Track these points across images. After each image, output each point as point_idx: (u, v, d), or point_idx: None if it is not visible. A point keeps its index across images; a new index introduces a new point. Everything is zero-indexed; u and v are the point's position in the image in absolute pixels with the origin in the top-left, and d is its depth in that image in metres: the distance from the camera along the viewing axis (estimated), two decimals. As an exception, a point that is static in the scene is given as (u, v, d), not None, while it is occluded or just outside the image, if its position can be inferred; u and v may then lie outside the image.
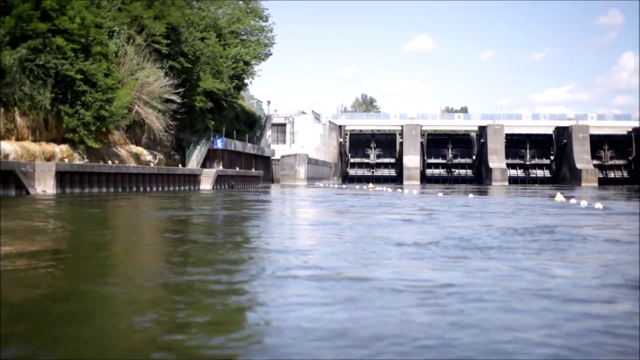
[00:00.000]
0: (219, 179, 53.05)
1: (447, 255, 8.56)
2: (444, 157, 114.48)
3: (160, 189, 43.63)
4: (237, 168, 62.05)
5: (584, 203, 23.18)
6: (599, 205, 21.42)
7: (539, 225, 13.74)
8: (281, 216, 18.30)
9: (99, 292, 5.96)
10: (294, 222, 15.66)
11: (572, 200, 25.81)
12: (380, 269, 7.36)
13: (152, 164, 46.48)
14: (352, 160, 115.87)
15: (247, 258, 8.27)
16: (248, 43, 65.53)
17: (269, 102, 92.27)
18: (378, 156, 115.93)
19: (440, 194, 37.76)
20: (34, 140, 35.98)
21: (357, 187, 64.19)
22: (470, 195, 35.34)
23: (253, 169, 68.35)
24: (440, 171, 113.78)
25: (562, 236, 11.36)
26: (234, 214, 18.62)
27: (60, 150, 37.04)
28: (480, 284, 6.42)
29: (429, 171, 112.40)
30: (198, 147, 56.13)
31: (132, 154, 44.51)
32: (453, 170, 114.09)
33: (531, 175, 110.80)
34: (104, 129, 39.37)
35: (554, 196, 31.86)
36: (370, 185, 65.79)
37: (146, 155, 46.67)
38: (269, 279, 6.69)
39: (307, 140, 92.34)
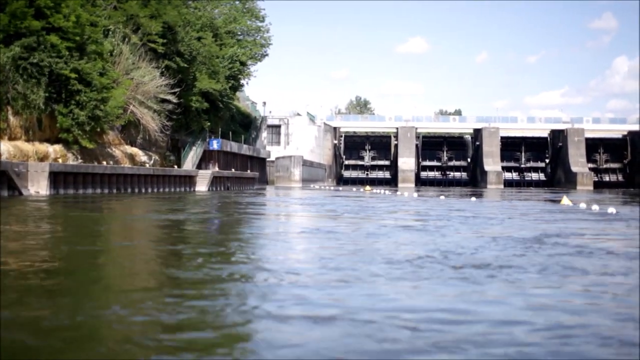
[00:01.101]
0: (215, 181, 52.38)
1: (458, 276, 7.69)
2: (439, 159, 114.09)
3: (155, 190, 42.94)
4: (233, 169, 61.40)
5: (595, 207, 22.62)
6: (612, 210, 20.83)
7: (560, 234, 13.16)
8: (274, 222, 17.68)
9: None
10: (287, 230, 14.89)
11: (582, 205, 25.24)
12: (376, 300, 6.20)
13: (147, 165, 45.78)
14: (346, 162, 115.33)
15: (225, 279, 7.24)
16: (244, 43, 64.92)
17: (264, 103, 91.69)
18: (373, 158, 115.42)
19: (442, 197, 37.21)
20: (27, 140, 35.27)
21: (354, 189, 63.63)
22: (473, 199, 34.82)
23: (248, 171, 67.71)
24: (435, 174, 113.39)
25: (589, 250, 10.79)
26: (226, 220, 18.02)
27: (53, 150, 36.34)
28: (507, 323, 5.46)
29: (423, 174, 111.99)
30: (194, 148, 55.48)
31: (126, 155, 43.81)
32: (448, 172, 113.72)
33: (526, 179, 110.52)
34: (98, 129, 38.69)
35: (559, 200, 31.36)
36: (367, 187, 65.24)
37: (141, 156, 45.97)
38: (243, 312, 5.66)
39: (301, 142, 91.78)
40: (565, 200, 28.16)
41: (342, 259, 8.90)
